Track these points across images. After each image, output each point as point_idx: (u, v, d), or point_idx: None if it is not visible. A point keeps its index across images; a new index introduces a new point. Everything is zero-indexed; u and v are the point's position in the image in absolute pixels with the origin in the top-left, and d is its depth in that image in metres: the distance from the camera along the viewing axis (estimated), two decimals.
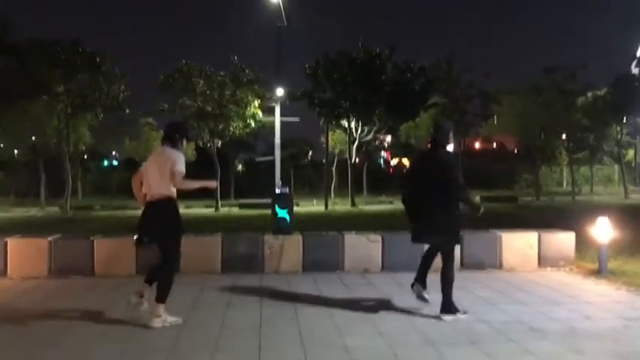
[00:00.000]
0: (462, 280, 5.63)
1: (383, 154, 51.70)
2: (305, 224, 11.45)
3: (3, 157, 33.28)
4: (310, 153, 50.64)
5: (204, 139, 23.94)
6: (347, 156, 26.13)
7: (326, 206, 23.27)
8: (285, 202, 7.91)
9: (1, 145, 29.09)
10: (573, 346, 4.42)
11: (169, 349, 4.40)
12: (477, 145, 55.37)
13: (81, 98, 22.74)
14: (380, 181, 35.13)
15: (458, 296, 5.34)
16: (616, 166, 36.35)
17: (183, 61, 22.37)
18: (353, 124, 24.75)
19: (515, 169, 37.21)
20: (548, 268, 7.65)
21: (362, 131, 25.15)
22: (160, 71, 33.40)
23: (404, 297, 5.86)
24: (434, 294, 5.41)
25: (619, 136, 30.71)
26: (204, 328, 4.99)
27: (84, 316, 5.37)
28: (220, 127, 22.99)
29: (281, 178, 25.19)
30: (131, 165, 37.14)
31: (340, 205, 24.12)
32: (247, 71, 22.75)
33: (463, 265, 7.47)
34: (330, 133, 27.99)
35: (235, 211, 22.03)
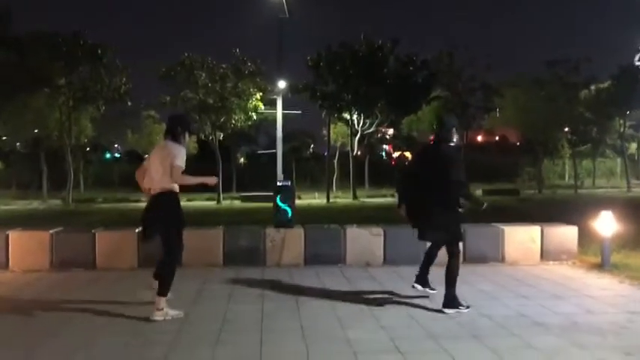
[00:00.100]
0: (464, 273, 5.61)
1: (385, 147, 51.64)
2: (307, 217, 11.45)
3: (5, 150, 33.28)
4: (312, 146, 50.64)
5: (206, 132, 23.93)
6: (349, 149, 26.11)
7: (328, 199, 23.29)
8: (287, 194, 7.89)
9: (4, 138, 29.11)
10: (576, 340, 4.40)
11: (171, 343, 4.40)
12: (480, 138, 55.31)
13: (82, 91, 22.74)
14: (382, 174, 35.09)
15: (460, 290, 5.33)
16: (619, 160, 36.32)
17: (186, 54, 22.34)
18: (355, 117, 24.70)
19: (517, 162, 37.17)
20: (551, 262, 7.63)
21: (364, 124, 25.10)
22: (161, 64, 33.27)
23: (406, 290, 5.86)
24: (438, 288, 5.40)
25: (622, 129, 30.66)
26: (206, 321, 4.98)
27: (85, 309, 5.36)
28: (222, 119, 23.00)
29: (283, 171, 25.19)
30: (133, 157, 37.19)
31: (342, 198, 24.14)
32: (249, 63, 22.74)
33: (466, 258, 7.44)
34: (332, 126, 27.96)
35: (237, 203, 22.07)
